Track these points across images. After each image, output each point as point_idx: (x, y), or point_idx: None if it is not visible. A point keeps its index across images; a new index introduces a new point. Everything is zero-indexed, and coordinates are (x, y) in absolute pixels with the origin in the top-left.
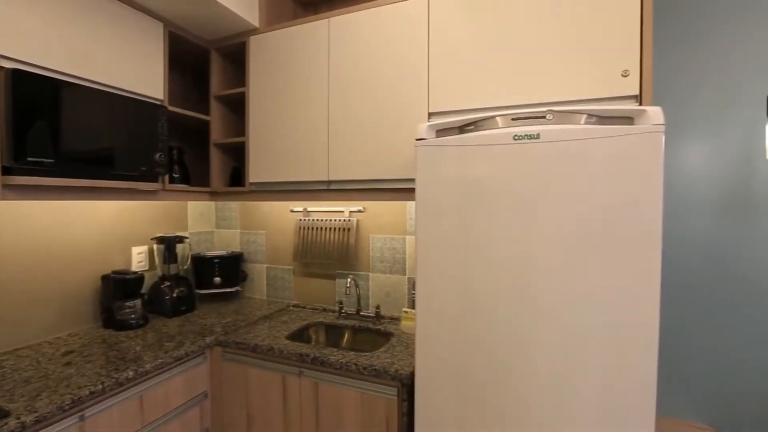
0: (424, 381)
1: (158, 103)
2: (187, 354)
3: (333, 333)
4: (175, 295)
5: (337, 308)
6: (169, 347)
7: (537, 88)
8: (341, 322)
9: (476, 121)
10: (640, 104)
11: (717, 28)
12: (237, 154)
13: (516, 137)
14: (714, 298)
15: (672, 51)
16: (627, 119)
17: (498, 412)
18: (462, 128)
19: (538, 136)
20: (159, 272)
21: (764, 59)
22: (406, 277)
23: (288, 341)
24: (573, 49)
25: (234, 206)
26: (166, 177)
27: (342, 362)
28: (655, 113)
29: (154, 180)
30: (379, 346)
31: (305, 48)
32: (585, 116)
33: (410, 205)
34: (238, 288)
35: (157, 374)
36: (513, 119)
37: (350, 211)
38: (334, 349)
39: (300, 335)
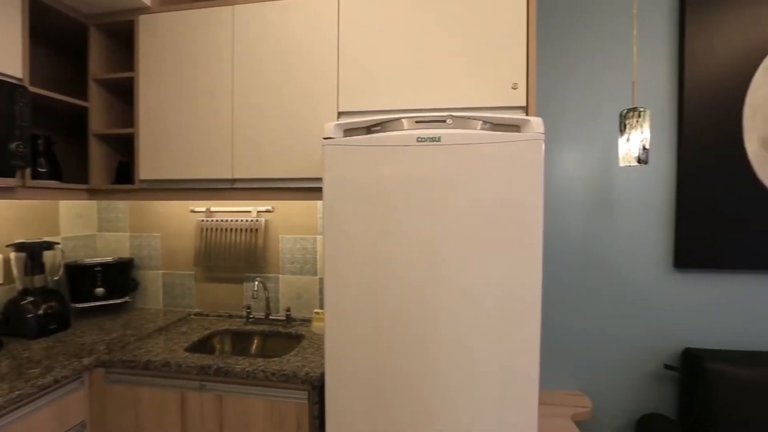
0: (333, 381)
1: (15, 82)
2: (57, 380)
3: (240, 340)
4: (41, 311)
5: (244, 313)
6: (32, 375)
7: (440, 94)
8: (249, 327)
9: (383, 122)
10: (527, 114)
11: (587, 55)
12: (125, 147)
13: (419, 139)
14: (582, 282)
15: (554, 71)
16: (515, 127)
17: (406, 408)
18: (369, 128)
19: (439, 139)
20: (19, 286)
21: (619, 85)
22: (318, 277)
23: (187, 353)
24: (472, 62)
25: (122, 206)
26: (28, 171)
27: (249, 370)
28: (537, 123)
29: (10, 174)
30: (290, 350)
31: (206, 35)
32: (480, 122)
33: (321, 204)
34: (127, 299)
35: (14, 409)
36: (417, 122)
37: (258, 211)
38: (241, 358)
39: (202, 346)
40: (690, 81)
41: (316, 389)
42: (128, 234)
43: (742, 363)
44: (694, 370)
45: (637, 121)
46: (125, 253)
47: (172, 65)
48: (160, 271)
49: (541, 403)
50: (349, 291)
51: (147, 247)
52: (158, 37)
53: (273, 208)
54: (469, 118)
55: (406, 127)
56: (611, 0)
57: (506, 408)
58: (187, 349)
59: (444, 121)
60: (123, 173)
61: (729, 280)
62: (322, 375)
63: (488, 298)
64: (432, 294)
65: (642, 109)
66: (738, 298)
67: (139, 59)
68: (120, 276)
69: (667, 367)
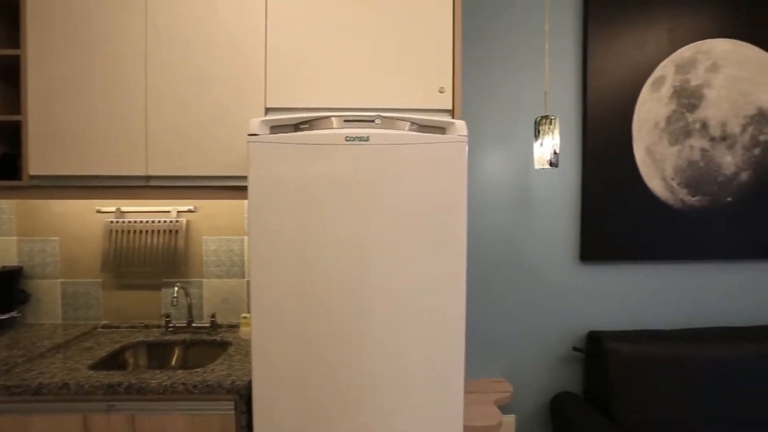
0: (262, 388)
1: None
2: None
3: (158, 352)
4: None
5: (163, 323)
6: None
7: (369, 93)
8: (169, 338)
9: (311, 120)
10: (453, 117)
11: (507, 66)
12: (9, 137)
13: (348, 138)
14: (503, 276)
15: (480, 80)
16: (440, 129)
17: (336, 408)
18: (297, 126)
19: (367, 139)
20: None
21: (533, 95)
22: (246, 280)
23: (92, 372)
24: (402, 64)
25: (6, 206)
26: None
27: (167, 384)
28: (461, 126)
29: None
30: (215, 359)
31: (110, 12)
32: (408, 123)
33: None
34: (13, 314)
35: None
36: (345, 121)
37: (178, 211)
38: (158, 371)
39: (112, 362)
40: (591, 95)
41: (244, 398)
42: (15, 238)
43: (633, 341)
44: (596, 350)
45: (549, 128)
46: (11, 261)
47: (70, 44)
48: (59, 280)
49: (467, 392)
50: (276, 293)
51: (41, 253)
52: (53, 12)
53: (195, 207)
54: (397, 119)
55: (335, 126)
56: (527, 15)
57: (435, 401)
58: (92, 367)
59: (373, 121)
60: (7, 167)
61: (624, 269)
62: (250, 382)
63: (416, 296)
64: (361, 293)
65: (553, 117)
66: (631, 284)
67: (26, 35)
68: (4, 287)
69: (575, 349)
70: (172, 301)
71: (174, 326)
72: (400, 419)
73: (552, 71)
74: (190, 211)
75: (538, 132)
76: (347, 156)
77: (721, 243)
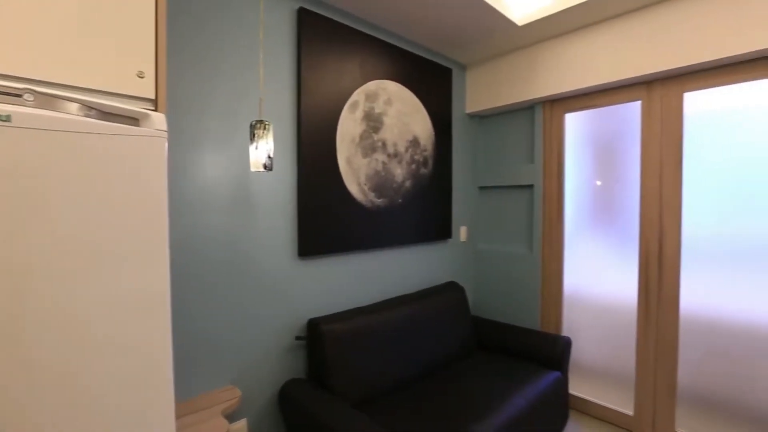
0: None
1: None
2: None
3: None
4: None
5: None
6: None
7: (24, 59)
8: None
9: None
10: (156, 109)
11: (229, 66)
12: None
13: None
14: (225, 279)
15: (203, 75)
16: (133, 120)
17: None
18: None
19: (8, 119)
20: None
21: (251, 101)
22: None
23: None
24: (85, 27)
25: None
26: None
27: None
28: (159, 119)
29: None
30: None
31: None
32: (81, 107)
33: None
34: None
35: None
36: None
37: None
38: None
39: None
40: (304, 109)
41: None
42: None
43: (343, 320)
44: (315, 335)
45: (264, 132)
46: None
47: None
48: None
49: (191, 412)
50: None
51: None
52: None
53: None
54: (61, 98)
55: None
56: (244, 19)
57: None
58: None
59: (20, 96)
60: None
61: (334, 260)
62: None
63: (102, 323)
64: (13, 339)
65: (267, 122)
66: (340, 273)
67: None
68: None
69: (297, 338)
70: None
71: None
72: None
73: (270, 80)
74: None
75: (254, 135)
76: None
77: (397, 233)
